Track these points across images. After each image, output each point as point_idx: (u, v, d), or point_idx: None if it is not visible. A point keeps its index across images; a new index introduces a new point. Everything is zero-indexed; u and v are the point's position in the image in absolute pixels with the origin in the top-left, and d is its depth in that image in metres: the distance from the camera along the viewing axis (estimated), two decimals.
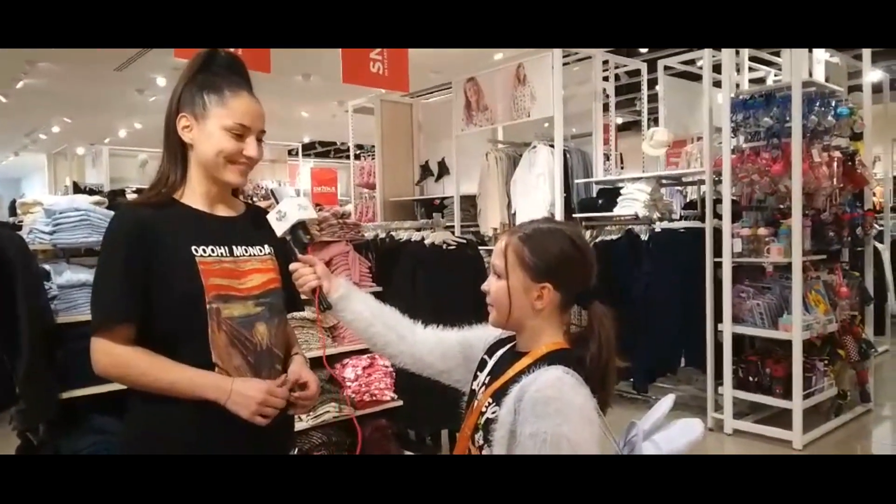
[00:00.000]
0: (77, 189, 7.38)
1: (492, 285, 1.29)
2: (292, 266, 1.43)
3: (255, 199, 8.38)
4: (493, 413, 1.19)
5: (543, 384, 1.13)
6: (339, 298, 1.44)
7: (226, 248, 1.38)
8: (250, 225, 1.48)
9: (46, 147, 11.96)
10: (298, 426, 2.99)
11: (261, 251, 1.45)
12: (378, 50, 4.27)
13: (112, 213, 2.68)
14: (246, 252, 1.42)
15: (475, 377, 1.36)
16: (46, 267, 2.60)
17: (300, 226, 1.41)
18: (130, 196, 3.40)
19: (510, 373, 1.23)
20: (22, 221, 2.94)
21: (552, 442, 1.08)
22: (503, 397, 1.17)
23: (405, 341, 1.47)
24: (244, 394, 1.30)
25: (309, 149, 12.97)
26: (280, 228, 1.40)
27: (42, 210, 2.69)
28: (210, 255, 1.35)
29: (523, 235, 1.27)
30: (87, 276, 2.56)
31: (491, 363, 1.33)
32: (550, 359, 1.20)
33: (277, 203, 1.42)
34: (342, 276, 1.50)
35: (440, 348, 1.46)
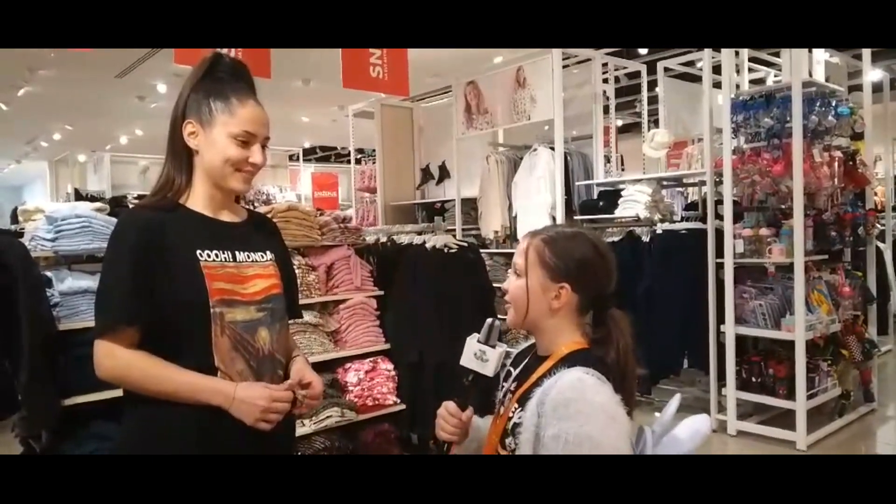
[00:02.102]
0: (79, 196, 7.39)
1: (511, 283, 1.32)
2: (451, 408, 1.31)
3: (255, 204, 8.39)
4: (520, 417, 1.20)
5: (564, 386, 1.14)
6: (465, 445, 1.38)
7: (229, 252, 1.39)
8: (252, 231, 1.49)
9: (48, 154, 11.99)
10: (301, 431, 3.00)
11: (262, 257, 1.45)
12: (378, 54, 4.27)
13: (114, 219, 2.69)
14: (248, 258, 1.42)
15: (501, 387, 1.37)
16: (48, 274, 2.61)
17: (485, 379, 1.31)
18: (132, 202, 3.41)
19: (534, 377, 1.25)
20: (24, 229, 2.95)
21: (574, 442, 1.09)
22: (527, 401, 1.19)
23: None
24: (248, 401, 1.30)
25: (309, 153, 12.99)
26: (470, 362, 1.30)
27: (44, 217, 2.70)
28: (214, 260, 1.35)
29: (547, 237, 1.30)
30: (88, 282, 2.57)
31: (516, 372, 1.35)
32: (571, 360, 1.22)
33: (489, 336, 1.30)
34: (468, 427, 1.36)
35: None
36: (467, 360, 1.30)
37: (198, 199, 1.40)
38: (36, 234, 2.67)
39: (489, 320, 1.30)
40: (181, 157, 1.40)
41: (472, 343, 1.30)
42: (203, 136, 1.36)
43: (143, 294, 1.29)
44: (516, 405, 1.24)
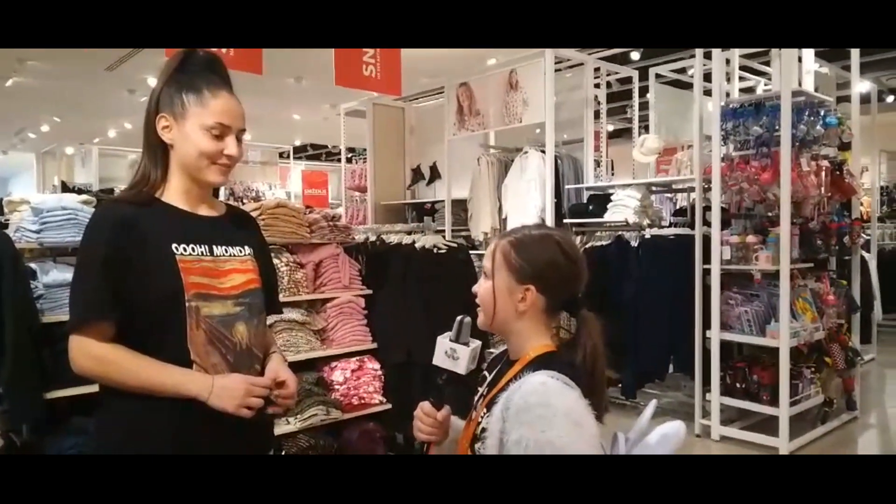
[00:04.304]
0: (65, 189, 7.33)
1: (480, 285, 1.32)
2: (426, 408, 1.30)
3: (245, 200, 8.35)
4: (487, 422, 1.19)
5: (526, 391, 1.13)
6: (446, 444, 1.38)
7: (206, 247, 1.38)
8: (231, 225, 1.48)
9: (35, 146, 11.87)
10: (286, 429, 2.98)
11: (241, 251, 1.44)
12: (371, 53, 4.27)
13: None
14: (226, 252, 1.41)
15: (477, 391, 1.37)
16: (33, 266, 2.58)
17: (460, 378, 1.30)
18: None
19: (502, 381, 1.24)
20: (9, 220, 2.91)
21: (536, 448, 1.08)
22: (494, 405, 1.18)
23: None
24: (228, 386, 1.30)
25: (300, 151, 12.94)
26: (441, 361, 1.30)
27: (29, 208, 2.67)
28: (190, 254, 1.35)
29: (513, 239, 1.29)
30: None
31: (490, 376, 1.35)
32: (537, 364, 1.21)
33: (460, 334, 1.29)
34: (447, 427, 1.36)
35: None
36: (439, 359, 1.30)
37: (174, 194, 1.40)
38: (21, 226, 2.65)
39: (459, 318, 1.30)
40: (156, 151, 1.39)
41: (444, 342, 1.30)
42: (177, 130, 1.36)
43: (116, 289, 1.28)
44: (485, 410, 1.23)
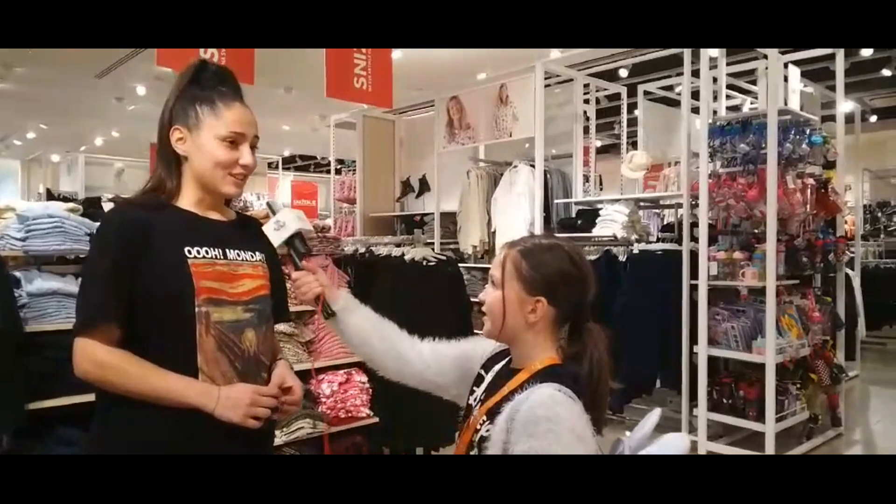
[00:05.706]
0: (51, 196, 7.25)
1: (488, 295, 1.30)
2: (295, 274, 1.46)
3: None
4: (488, 431, 1.18)
5: (535, 403, 1.12)
6: (340, 310, 1.45)
7: (220, 250, 1.38)
8: (242, 231, 1.49)
9: (20, 153, 11.78)
10: None
11: (253, 257, 1.45)
12: (362, 65, 4.27)
13: (87, 220, 2.64)
14: (239, 256, 1.41)
15: (471, 392, 1.36)
16: (17, 274, 2.54)
17: (298, 236, 1.45)
18: (106, 205, 3.34)
19: (505, 390, 1.23)
20: None
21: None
22: (497, 415, 1.17)
23: (402, 359, 1.46)
24: (233, 397, 1.29)
25: (289, 162, 12.92)
26: (278, 238, 1.43)
27: (14, 216, 2.64)
28: (203, 258, 1.34)
29: (524, 249, 1.28)
30: (58, 284, 2.51)
31: (487, 379, 1.34)
32: (543, 376, 1.20)
33: (274, 214, 1.48)
34: (344, 289, 1.51)
35: (437, 364, 1.45)
36: (276, 239, 1.48)
37: (187, 203, 1.40)
38: (6, 233, 2.61)
39: (267, 200, 1.46)
40: (171, 163, 1.40)
41: (268, 229, 1.49)
42: (191, 142, 1.37)
43: (126, 291, 1.27)
44: (485, 417, 1.22)
